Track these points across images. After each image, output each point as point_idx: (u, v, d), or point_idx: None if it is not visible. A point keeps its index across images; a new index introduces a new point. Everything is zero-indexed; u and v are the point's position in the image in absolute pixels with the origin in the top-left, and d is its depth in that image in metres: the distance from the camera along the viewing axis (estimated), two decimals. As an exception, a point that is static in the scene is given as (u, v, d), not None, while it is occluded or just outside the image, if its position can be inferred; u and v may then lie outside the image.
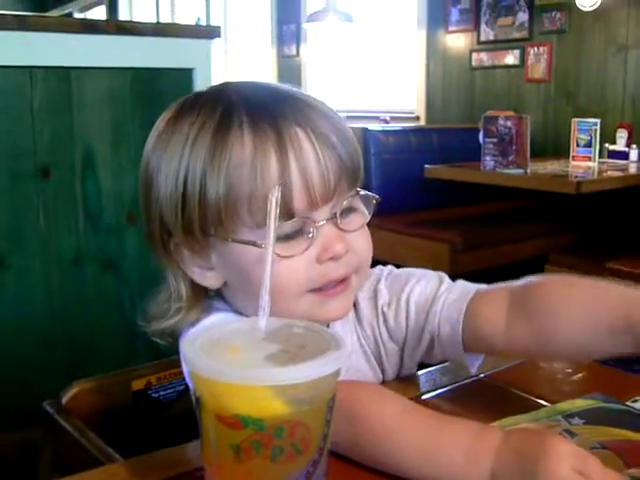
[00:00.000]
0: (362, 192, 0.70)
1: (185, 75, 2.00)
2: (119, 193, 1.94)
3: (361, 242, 0.70)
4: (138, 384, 0.98)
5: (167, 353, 0.89)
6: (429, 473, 0.58)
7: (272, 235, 0.53)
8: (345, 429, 0.59)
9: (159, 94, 1.94)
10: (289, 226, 0.64)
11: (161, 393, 1.00)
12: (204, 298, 0.72)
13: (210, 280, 0.70)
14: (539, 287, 0.73)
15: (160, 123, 0.70)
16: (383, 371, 0.81)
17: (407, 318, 0.77)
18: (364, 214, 0.70)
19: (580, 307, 0.70)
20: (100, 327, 1.96)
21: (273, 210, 0.53)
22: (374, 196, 0.70)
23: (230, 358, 0.48)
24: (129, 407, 0.97)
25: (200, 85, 1.97)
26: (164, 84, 1.96)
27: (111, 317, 1.97)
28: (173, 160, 0.66)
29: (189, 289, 0.71)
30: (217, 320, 0.69)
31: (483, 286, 0.77)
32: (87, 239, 1.91)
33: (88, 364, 1.86)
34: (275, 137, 0.63)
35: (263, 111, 0.65)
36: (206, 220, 0.65)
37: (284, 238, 0.64)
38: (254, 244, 0.63)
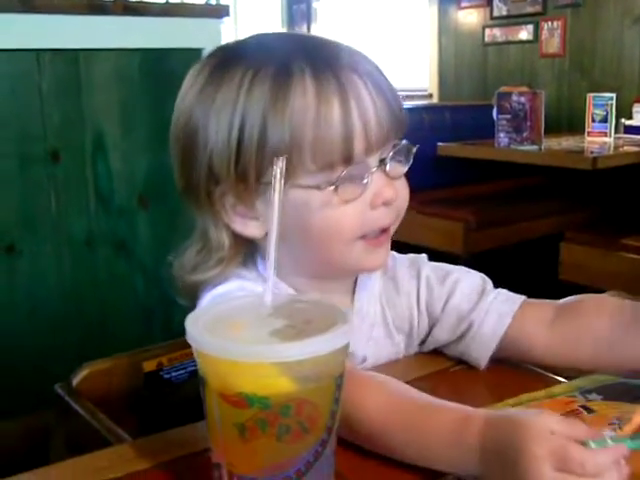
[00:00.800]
0: (404, 141, 0.71)
1: (194, 55, 1.97)
2: (130, 174, 1.94)
3: (403, 189, 0.72)
4: (149, 365, 0.97)
5: (181, 333, 0.88)
6: (419, 459, 0.58)
7: (277, 208, 0.51)
8: None
9: (168, 75, 1.91)
10: (349, 171, 0.65)
11: (173, 374, 0.99)
12: (243, 250, 0.72)
13: (251, 229, 0.70)
14: (585, 301, 0.77)
15: (199, 77, 0.69)
16: (407, 342, 0.82)
17: (447, 300, 0.79)
18: (404, 163, 0.72)
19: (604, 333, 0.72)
20: (113, 309, 1.96)
21: (278, 182, 0.51)
22: (413, 145, 0.72)
23: (234, 335, 0.47)
24: (141, 388, 0.97)
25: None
26: (173, 64, 1.94)
27: (124, 299, 1.97)
28: (225, 109, 0.65)
29: (231, 238, 0.71)
30: (233, 288, 0.69)
31: (527, 299, 0.79)
32: (98, 221, 1.90)
33: (101, 347, 1.86)
34: (336, 83, 0.64)
35: (323, 59, 0.66)
36: (263, 166, 0.64)
37: (344, 182, 0.65)
38: (317, 188, 0.65)
